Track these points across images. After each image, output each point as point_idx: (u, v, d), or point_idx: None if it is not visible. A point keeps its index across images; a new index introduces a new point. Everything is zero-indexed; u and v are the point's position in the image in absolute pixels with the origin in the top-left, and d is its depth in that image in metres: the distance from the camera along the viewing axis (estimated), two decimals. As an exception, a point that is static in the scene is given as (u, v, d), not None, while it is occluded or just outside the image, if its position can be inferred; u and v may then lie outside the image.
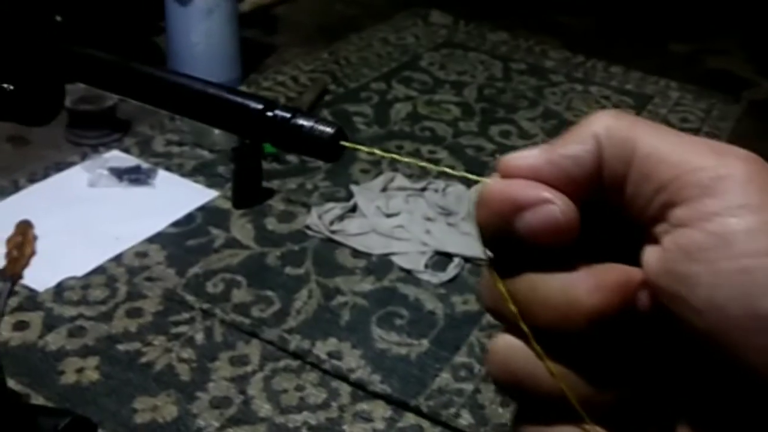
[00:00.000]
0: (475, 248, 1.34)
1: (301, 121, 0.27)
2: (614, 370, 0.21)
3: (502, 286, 0.22)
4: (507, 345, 0.22)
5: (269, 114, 0.28)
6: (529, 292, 0.21)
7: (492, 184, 0.22)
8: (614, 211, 0.21)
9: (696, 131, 1.88)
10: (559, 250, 0.21)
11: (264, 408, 1.01)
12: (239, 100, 0.28)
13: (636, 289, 0.20)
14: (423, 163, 0.26)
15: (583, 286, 0.20)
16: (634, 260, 0.21)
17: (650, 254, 0.20)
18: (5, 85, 0.34)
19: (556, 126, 1.84)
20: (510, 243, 0.22)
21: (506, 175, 0.22)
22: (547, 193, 0.21)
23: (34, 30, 0.35)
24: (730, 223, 0.19)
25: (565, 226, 0.21)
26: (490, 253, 0.22)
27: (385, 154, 0.26)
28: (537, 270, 0.21)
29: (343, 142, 0.28)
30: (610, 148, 0.21)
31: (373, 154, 0.27)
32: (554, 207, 0.21)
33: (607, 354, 0.21)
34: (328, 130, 0.27)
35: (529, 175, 0.21)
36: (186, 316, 1.15)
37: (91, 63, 0.30)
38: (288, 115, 0.27)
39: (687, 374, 0.21)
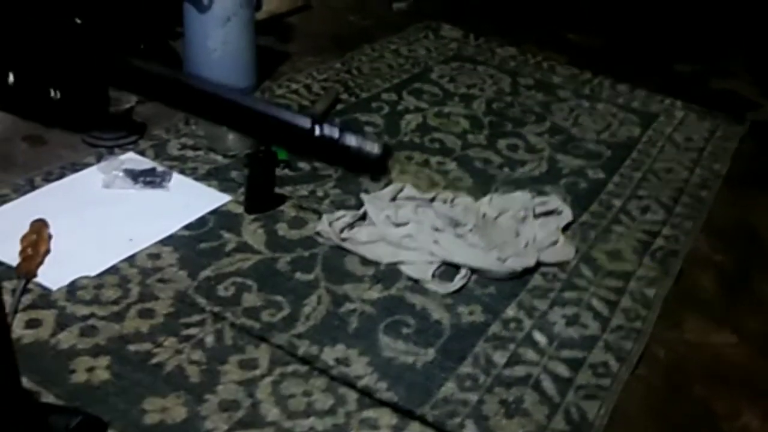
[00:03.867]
0: (482, 260, 1.34)
1: (349, 140, 0.27)
2: None
3: None
4: None
5: (317, 132, 0.28)
6: None
7: None
8: None
9: (700, 150, 1.88)
10: None
11: (272, 412, 1.00)
12: (287, 117, 0.28)
13: None
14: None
15: None
16: None
17: None
18: (53, 93, 0.34)
19: (563, 141, 1.84)
20: None
21: None
22: None
23: (82, 39, 0.35)
24: None
25: None
26: None
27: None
28: None
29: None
30: None
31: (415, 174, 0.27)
32: None
33: None
34: (376, 150, 0.27)
35: None
36: (197, 318, 1.14)
37: (142, 74, 0.30)
38: (336, 134, 0.27)
39: None
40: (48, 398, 0.98)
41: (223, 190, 1.46)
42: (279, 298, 1.21)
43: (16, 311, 1.11)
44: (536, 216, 1.48)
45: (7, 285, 1.15)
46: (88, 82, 0.35)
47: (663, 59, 2.44)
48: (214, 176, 1.50)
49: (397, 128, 1.81)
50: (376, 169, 0.27)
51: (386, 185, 1.52)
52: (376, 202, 1.44)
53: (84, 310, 1.14)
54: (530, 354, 1.15)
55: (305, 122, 0.28)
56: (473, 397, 1.06)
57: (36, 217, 1.29)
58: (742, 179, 1.78)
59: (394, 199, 1.48)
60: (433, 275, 1.29)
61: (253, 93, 1.88)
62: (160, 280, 1.21)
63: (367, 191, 1.49)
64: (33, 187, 1.42)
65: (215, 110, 0.29)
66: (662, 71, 2.36)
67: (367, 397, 1.04)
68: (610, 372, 1.14)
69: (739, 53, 2.55)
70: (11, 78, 0.35)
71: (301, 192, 1.48)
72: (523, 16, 2.68)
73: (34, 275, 1.18)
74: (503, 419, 1.03)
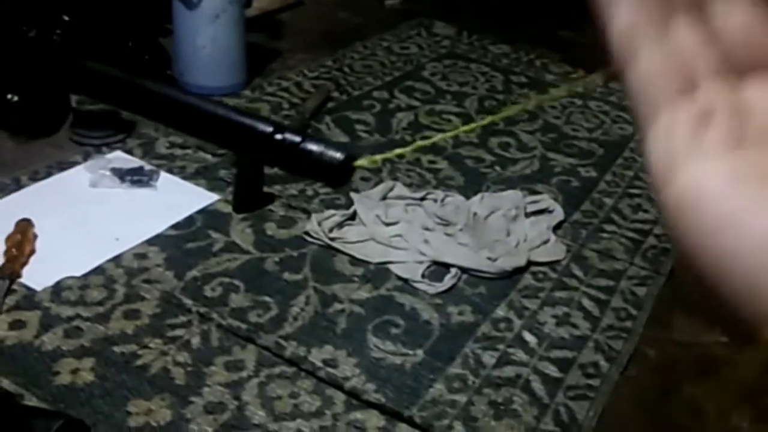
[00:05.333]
0: (472, 259, 1.33)
1: (311, 146, 0.26)
2: None
3: None
4: None
5: (278, 137, 0.27)
6: None
7: None
8: None
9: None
10: None
11: (258, 414, 1.00)
12: (248, 121, 0.27)
13: None
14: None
15: None
16: None
17: None
18: (9, 96, 0.33)
19: (555, 139, 1.83)
20: None
21: None
22: None
23: (39, 43, 0.34)
24: None
25: None
26: None
27: (385, 156, 0.26)
28: None
29: (357, 163, 0.26)
30: None
31: (376, 163, 0.26)
32: None
33: None
34: (338, 156, 0.26)
35: None
36: (183, 319, 1.14)
37: (99, 78, 0.29)
38: (297, 139, 0.26)
39: None
40: (31, 400, 0.97)
41: (212, 189, 1.45)
42: (267, 298, 1.20)
43: (0, 312, 1.10)
44: (527, 215, 1.48)
45: (-9, 286, 1.14)
46: (46, 86, 0.34)
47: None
48: (202, 175, 1.49)
49: (389, 126, 1.80)
50: (339, 177, 0.26)
51: (377, 184, 1.51)
52: (365, 201, 1.44)
53: (69, 311, 1.13)
54: (520, 354, 1.15)
55: (267, 127, 0.27)
56: (462, 399, 1.06)
57: (21, 216, 1.28)
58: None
59: (384, 198, 1.47)
60: (423, 275, 1.29)
61: (243, 90, 1.87)
62: (147, 281, 1.20)
63: (357, 190, 1.48)
64: (19, 186, 1.41)
65: (174, 115, 0.28)
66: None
67: (355, 398, 1.03)
68: (600, 372, 1.13)
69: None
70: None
71: (290, 191, 1.47)
72: (517, 14, 2.67)
73: (19, 276, 1.17)
74: (492, 420, 1.03)
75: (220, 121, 0.27)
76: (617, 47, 0.20)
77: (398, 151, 0.24)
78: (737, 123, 0.19)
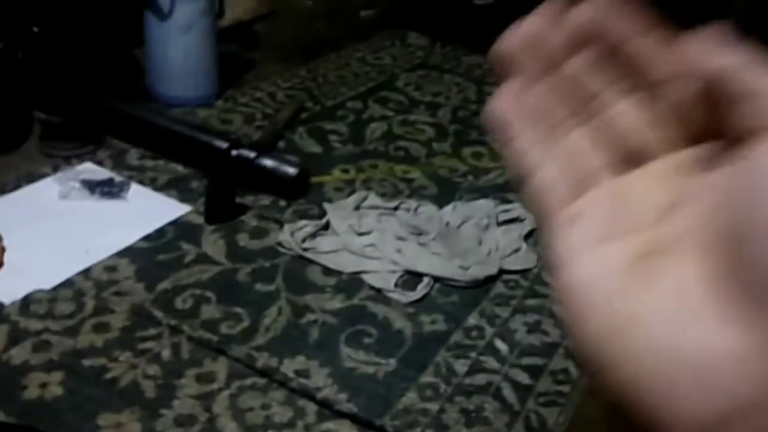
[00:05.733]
0: (445, 268, 1.34)
1: (265, 162, 0.27)
2: None
3: None
4: None
5: (233, 153, 0.27)
6: None
7: None
8: None
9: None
10: None
11: (229, 426, 0.99)
12: (203, 137, 0.28)
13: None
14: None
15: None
16: None
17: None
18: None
19: (527, 149, 1.86)
20: None
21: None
22: None
23: (2, 61, 0.34)
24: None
25: None
26: None
27: (336, 176, 0.27)
28: None
29: (314, 179, 0.27)
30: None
31: (338, 178, 0.27)
32: None
33: None
34: (292, 171, 0.27)
35: None
36: (153, 332, 1.13)
37: (57, 94, 0.30)
38: (252, 155, 0.27)
39: None
40: (-2, 416, 0.96)
41: (183, 200, 1.44)
42: (238, 309, 1.20)
43: (-35, 327, 1.09)
44: (499, 224, 1.50)
45: (-43, 300, 1.12)
46: (7, 103, 0.35)
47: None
48: (173, 186, 1.48)
49: (362, 136, 1.81)
50: (293, 191, 0.27)
51: (350, 194, 1.52)
52: (339, 211, 1.44)
53: (38, 325, 1.12)
54: (491, 362, 1.16)
55: (222, 143, 0.28)
56: (434, 407, 1.06)
57: (-11, 229, 1.26)
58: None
59: (357, 208, 1.48)
60: (396, 284, 1.30)
61: (216, 101, 1.87)
62: (116, 293, 1.19)
63: (330, 200, 1.49)
64: (-13, 199, 1.39)
65: (130, 130, 0.29)
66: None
67: (327, 408, 1.04)
68: (570, 378, 1.15)
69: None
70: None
71: (262, 201, 1.47)
72: (490, 25, 2.71)
73: (-14, 289, 1.16)
74: (464, 428, 1.04)
75: (176, 137, 0.28)
76: (515, 166, 0.22)
77: (337, 174, 0.25)
78: (611, 216, 0.20)
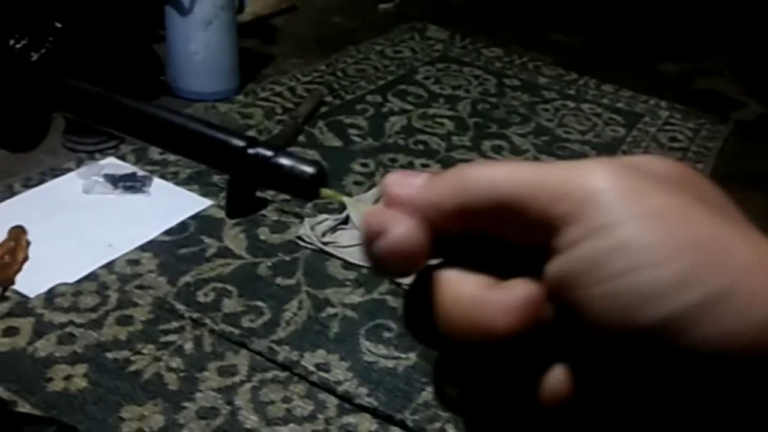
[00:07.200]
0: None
1: (282, 161, 0.27)
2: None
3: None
4: None
5: (250, 152, 0.27)
6: (444, 316, 0.22)
7: (364, 215, 0.23)
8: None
9: (684, 150, 1.88)
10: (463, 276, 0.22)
11: (250, 419, 1.00)
12: (220, 136, 0.27)
13: (541, 304, 0.21)
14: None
15: (492, 308, 0.21)
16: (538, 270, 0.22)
17: (547, 270, 0.21)
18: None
19: (548, 142, 1.84)
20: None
21: (387, 202, 0.23)
22: (391, 221, 0.22)
23: (17, 58, 0.34)
24: (592, 247, 0.19)
25: (402, 251, 0.22)
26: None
27: (344, 199, 0.27)
28: (447, 292, 0.22)
29: (322, 190, 0.27)
30: (472, 196, 0.22)
31: (339, 198, 0.27)
32: (396, 234, 0.22)
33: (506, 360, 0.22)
34: (309, 170, 0.26)
35: (404, 205, 0.23)
36: (176, 325, 1.14)
37: (74, 94, 0.29)
38: (269, 154, 0.27)
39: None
40: (24, 407, 0.97)
41: (205, 194, 1.45)
42: (259, 303, 1.20)
43: (-8, 319, 1.10)
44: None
45: (-16, 293, 1.14)
46: (25, 102, 0.35)
47: (647, 58, 2.44)
48: (195, 180, 1.49)
49: (382, 130, 1.80)
50: (309, 191, 0.26)
51: (370, 188, 1.51)
52: (359, 205, 1.44)
53: (62, 318, 1.13)
54: (511, 357, 1.15)
55: (239, 142, 0.27)
56: (454, 402, 1.06)
57: (14, 223, 1.28)
58: (726, 179, 1.78)
59: (377, 201, 1.47)
60: (416, 278, 1.29)
61: (237, 96, 1.87)
62: (139, 287, 1.20)
63: (350, 194, 1.48)
64: (12, 193, 1.41)
65: (145, 129, 0.29)
66: (647, 71, 2.36)
67: (347, 402, 1.04)
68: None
69: (723, 51, 2.56)
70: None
71: (282, 196, 1.47)
72: (510, 17, 2.68)
73: (12, 283, 1.17)
74: (484, 423, 1.03)
75: (193, 136, 0.27)
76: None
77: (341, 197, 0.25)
78: None
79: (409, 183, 0.23)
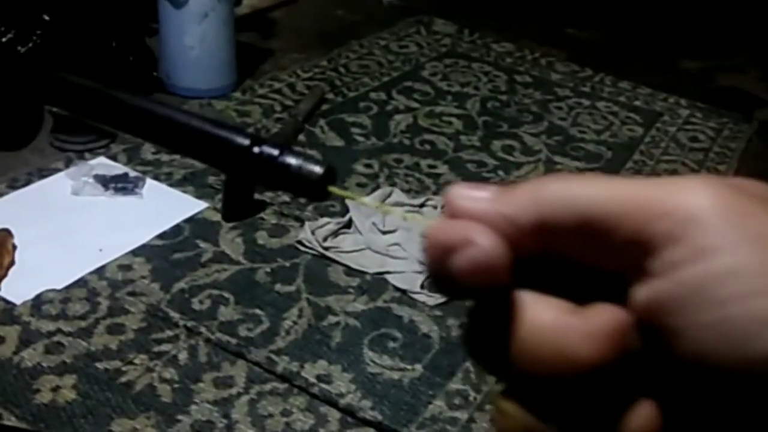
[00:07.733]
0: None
1: (289, 159, 0.27)
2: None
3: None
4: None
5: (255, 150, 0.27)
6: (520, 344, 0.21)
7: (431, 228, 0.22)
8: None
9: (706, 151, 1.88)
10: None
11: (248, 434, 1.00)
12: (224, 134, 0.27)
13: (628, 332, 0.20)
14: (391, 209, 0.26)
15: (576, 336, 0.20)
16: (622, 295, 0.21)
17: (637, 295, 0.20)
18: (-24, 108, 0.33)
19: (561, 142, 1.84)
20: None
21: (452, 215, 0.22)
22: (473, 233, 0.21)
23: (3, 51, 0.34)
24: (698, 271, 0.19)
25: (488, 267, 0.21)
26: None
27: (366, 202, 0.26)
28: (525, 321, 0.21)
29: (331, 188, 0.27)
30: (554, 212, 0.21)
31: (358, 200, 0.27)
32: (482, 247, 0.21)
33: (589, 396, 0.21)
34: (317, 170, 0.26)
35: (474, 219, 0.21)
36: (169, 333, 1.14)
37: (67, 88, 0.29)
38: (275, 152, 0.27)
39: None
40: (9, 420, 0.97)
41: (200, 196, 1.45)
42: (257, 311, 1.20)
43: (-24, 327, 1.11)
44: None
45: (-32, 299, 1.14)
46: (17, 98, 0.35)
47: (667, 55, 2.44)
48: (190, 182, 1.49)
49: (386, 129, 1.80)
50: (318, 191, 0.26)
51: (374, 191, 1.51)
52: (362, 208, 1.44)
53: (50, 326, 1.13)
54: (524, 369, 1.15)
55: (243, 140, 0.27)
56: (462, 416, 1.06)
57: (0, 226, 1.28)
58: (749, 181, 1.78)
59: (383, 202, 1.48)
60: (422, 285, 1.29)
61: (234, 92, 1.87)
62: (131, 293, 1.21)
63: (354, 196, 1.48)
64: (-3, 195, 1.41)
65: (143, 125, 0.28)
66: (666, 67, 2.36)
67: (350, 416, 1.04)
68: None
69: (747, 47, 2.55)
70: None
71: (282, 198, 1.48)
72: (521, 10, 2.68)
73: (-3, 289, 1.18)
74: (494, 439, 1.03)
75: (193, 134, 0.27)
76: None
77: (360, 198, 0.25)
78: None
79: (477, 196, 0.22)
